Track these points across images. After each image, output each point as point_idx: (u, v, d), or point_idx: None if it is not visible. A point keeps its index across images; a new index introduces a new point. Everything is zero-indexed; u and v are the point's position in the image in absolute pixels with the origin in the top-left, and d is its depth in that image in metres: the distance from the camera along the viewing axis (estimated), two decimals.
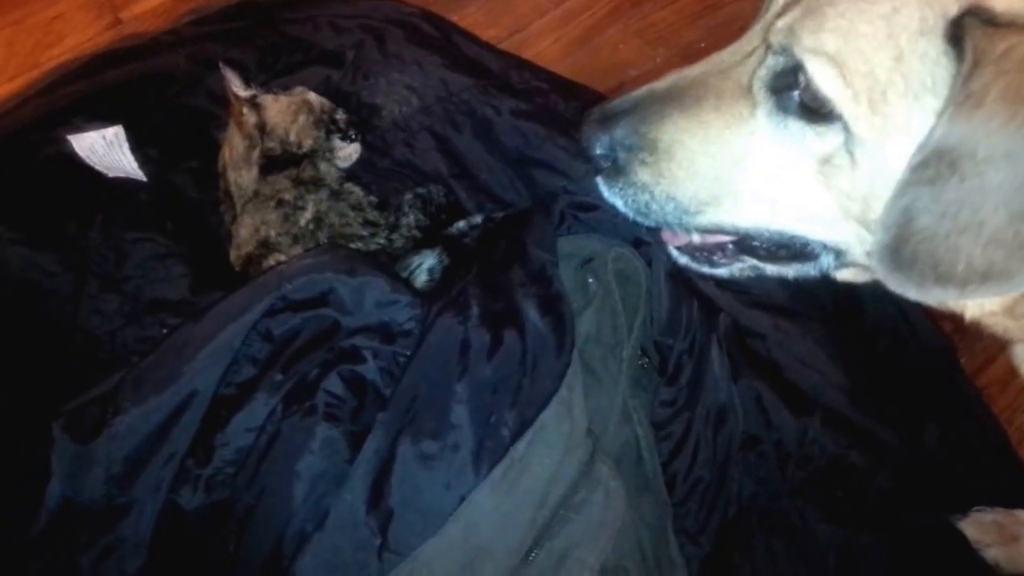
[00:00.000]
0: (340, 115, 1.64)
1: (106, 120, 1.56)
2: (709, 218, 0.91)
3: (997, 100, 0.67)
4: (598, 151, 0.93)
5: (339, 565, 1.00)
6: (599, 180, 0.96)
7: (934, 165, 0.71)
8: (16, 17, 1.97)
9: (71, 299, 1.27)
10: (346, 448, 1.07)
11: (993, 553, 1.28)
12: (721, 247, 0.99)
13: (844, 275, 0.95)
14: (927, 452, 1.34)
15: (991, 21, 0.70)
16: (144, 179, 1.48)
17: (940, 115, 0.72)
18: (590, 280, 1.40)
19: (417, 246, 1.52)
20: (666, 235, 1.02)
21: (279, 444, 1.06)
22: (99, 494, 1.01)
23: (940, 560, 1.23)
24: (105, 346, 1.26)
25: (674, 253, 1.04)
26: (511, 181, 1.66)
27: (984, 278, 0.71)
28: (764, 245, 0.95)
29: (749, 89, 0.85)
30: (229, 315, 1.11)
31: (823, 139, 0.80)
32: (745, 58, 0.87)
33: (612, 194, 0.95)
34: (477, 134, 1.69)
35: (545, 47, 2.02)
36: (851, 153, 0.79)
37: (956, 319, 1.57)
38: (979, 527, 1.30)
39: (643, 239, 1.40)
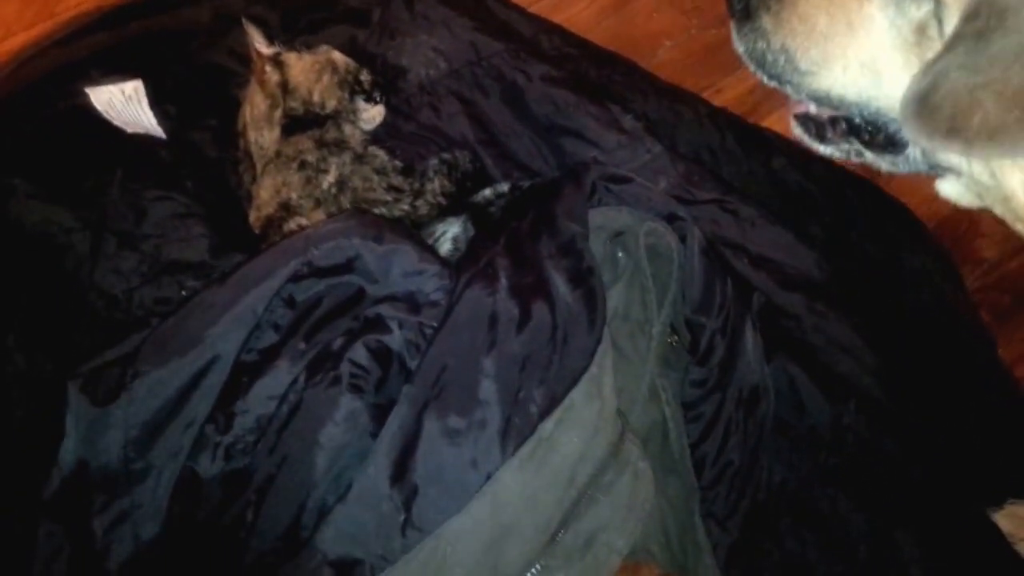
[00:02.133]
0: (365, 76, 1.59)
1: (125, 74, 1.51)
2: (819, 82, 0.92)
3: None
4: None
5: (361, 539, 0.97)
6: (732, 24, 0.98)
7: (984, 15, 0.70)
8: None
9: (88, 256, 1.24)
10: (370, 421, 1.03)
11: None
12: (833, 122, 1.00)
13: (947, 191, 0.93)
14: (962, 443, 1.31)
15: None
16: (163, 136, 1.43)
17: None
18: (620, 254, 1.36)
19: (442, 213, 1.48)
20: (789, 102, 1.03)
21: (302, 414, 1.02)
22: (115, 458, 0.99)
23: (973, 553, 1.20)
24: (122, 305, 1.22)
25: (791, 120, 1.04)
26: (539, 149, 1.62)
27: (991, 137, 0.71)
28: (865, 126, 0.95)
29: None
30: (253, 279, 1.07)
31: (919, 6, 0.80)
32: None
33: (737, 39, 0.97)
34: (506, 100, 1.64)
35: (577, 12, 1.95)
36: (939, 21, 0.78)
37: (997, 307, 1.54)
38: (1014, 520, 1.27)
39: (677, 214, 1.36)
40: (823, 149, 1.01)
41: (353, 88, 1.56)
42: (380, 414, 1.04)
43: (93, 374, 1.02)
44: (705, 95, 1.81)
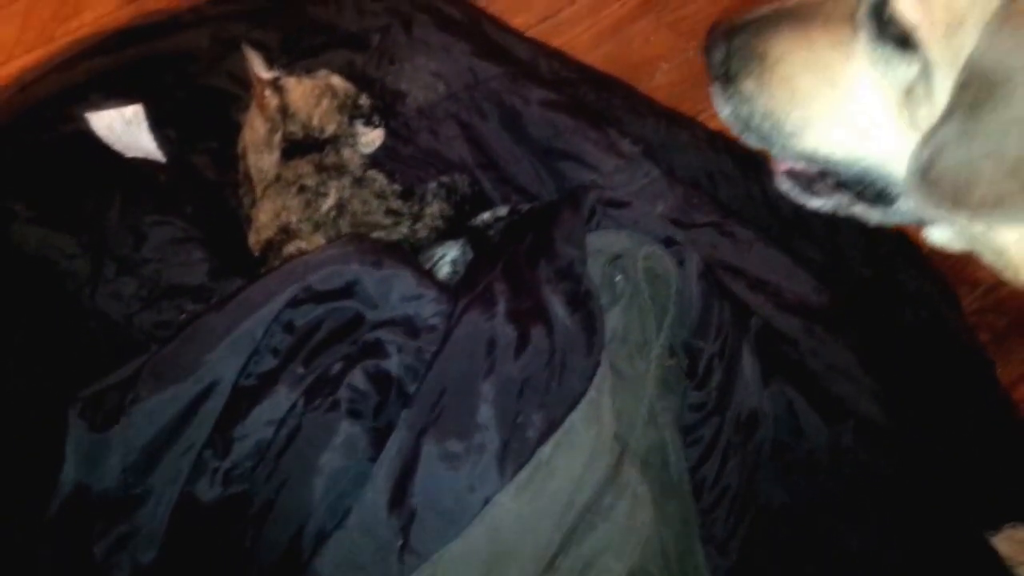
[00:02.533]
0: (364, 100, 1.60)
1: (124, 98, 1.52)
2: (805, 142, 0.93)
3: None
4: (715, 58, 0.96)
5: (359, 565, 0.97)
6: (714, 88, 0.98)
7: (974, 87, 0.71)
8: None
9: (88, 281, 1.24)
10: (368, 445, 1.04)
11: None
12: (822, 176, 1.00)
13: (937, 238, 0.93)
14: (961, 466, 1.31)
15: None
16: (163, 160, 1.44)
17: (982, 31, 0.71)
18: (618, 278, 1.37)
19: (441, 237, 1.49)
20: (773, 160, 1.05)
21: (300, 439, 1.03)
22: (115, 483, 0.99)
23: None
24: (121, 330, 1.23)
25: (777, 177, 1.05)
26: (538, 173, 1.62)
27: (995, 206, 0.72)
28: (854, 181, 0.95)
29: (854, 16, 0.86)
30: (252, 304, 1.08)
31: (907, 67, 0.81)
32: None
33: (721, 103, 0.98)
34: (504, 124, 1.65)
35: (575, 36, 1.97)
36: (928, 83, 0.79)
37: (995, 329, 1.55)
38: (1012, 544, 1.27)
39: (674, 238, 1.37)
40: (813, 203, 1.01)
41: (352, 112, 1.57)
42: (379, 439, 1.04)
43: (92, 399, 1.02)
44: (702, 118, 1.82)
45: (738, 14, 0.96)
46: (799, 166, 1.00)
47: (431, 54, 1.72)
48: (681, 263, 1.32)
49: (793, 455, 1.25)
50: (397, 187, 1.51)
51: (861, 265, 1.53)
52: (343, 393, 1.04)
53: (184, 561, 1.02)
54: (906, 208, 0.92)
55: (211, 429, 1.02)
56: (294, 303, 1.10)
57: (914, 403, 1.34)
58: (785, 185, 1.03)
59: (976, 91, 0.70)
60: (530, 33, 1.91)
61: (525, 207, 1.52)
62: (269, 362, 1.08)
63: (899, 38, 0.80)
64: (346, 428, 1.03)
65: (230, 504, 1.02)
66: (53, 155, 1.39)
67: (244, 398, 1.05)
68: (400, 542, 0.98)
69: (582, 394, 1.11)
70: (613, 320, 1.32)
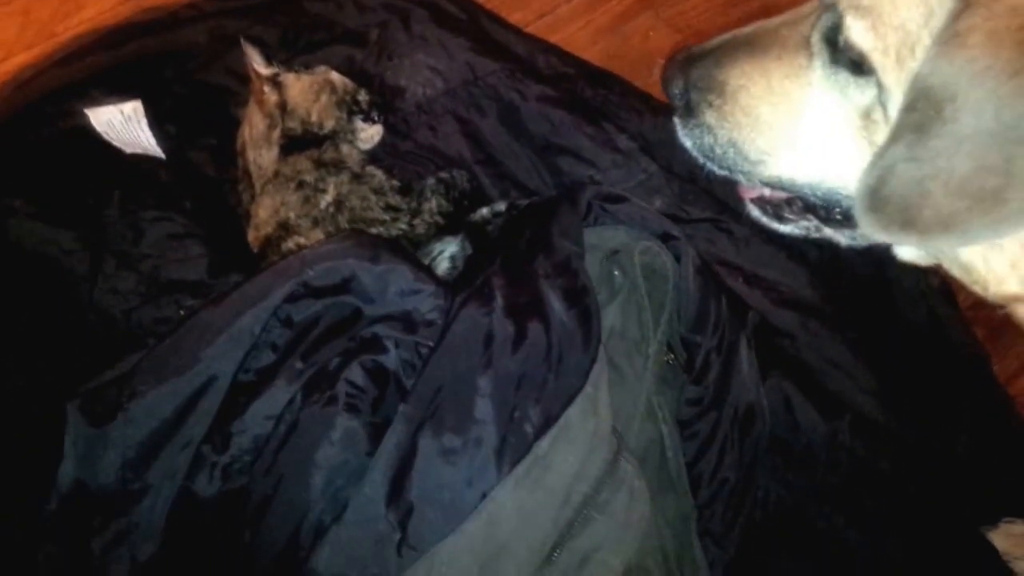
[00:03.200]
0: (362, 96, 1.60)
1: (124, 94, 1.53)
2: (769, 169, 0.94)
3: (982, 43, 0.67)
4: (675, 90, 0.97)
5: (357, 559, 0.98)
6: (675, 120, 1.00)
7: (921, 107, 0.71)
8: None
9: (87, 277, 1.25)
10: (366, 440, 1.04)
11: (1023, 566, 1.26)
12: (790, 202, 1.01)
13: (905, 255, 0.94)
14: (958, 461, 1.31)
15: None
16: (162, 156, 1.45)
17: (928, 52, 0.72)
18: (615, 273, 1.37)
19: (439, 232, 1.49)
20: (741, 188, 1.05)
21: (298, 434, 1.03)
22: (113, 478, 0.99)
23: (969, 571, 1.21)
24: (120, 325, 1.24)
25: (747, 204, 1.06)
26: (536, 168, 1.63)
27: (945, 227, 0.72)
28: (820, 204, 0.96)
29: (809, 41, 0.88)
30: (249, 299, 1.08)
31: (863, 92, 0.82)
32: (813, 11, 0.90)
33: (683, 134, 0.99)
34: (502, 119, 1.66)
35: (573, 32, 1.97)
36: (884, 107, 0.80)
37: (991, 323, 1.55)
38: (1009, 539, 1.27)
39: (671, 233, 1.37)
40: (783, 229, 1.02)
41: (351, 108, 1.57)
42: (376, 433, 1.04)
43: (91, 394, 1.02)
44: None
45: (694, 46, 0.97)
46: (767, 193, 1.01)
47: (429, 50, 1.73)
48: (678, 258, 1.32)
49: (790, 449, 1.26)
50: (395, 183, 1.52)
51: (857, 260, 1.53)
52: (341, 388, 1.05)
53: (183, 556, 1.03)
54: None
55: (209, 424, 1.02)
56: (292, 298, 1.10)
57: (910, 398, 1.35)
58: (755, 212, 1.04)
59: (922, 112, 0.71)
60: (528, 29, 1.91)
61: (523, 203, 1.52)
62: (267, 357, 1.09)
63: (853, 63, 0.82)
64: (344, 423, 1.03)
65: (229, 499, 1.02)
66: (52, 151, 1.40)
67: (242, 393, 1.05)
68: (398, 536, 0.98)
69: (579, 389, 1.11)
70: (611, 316, 1.33)
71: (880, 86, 0.79)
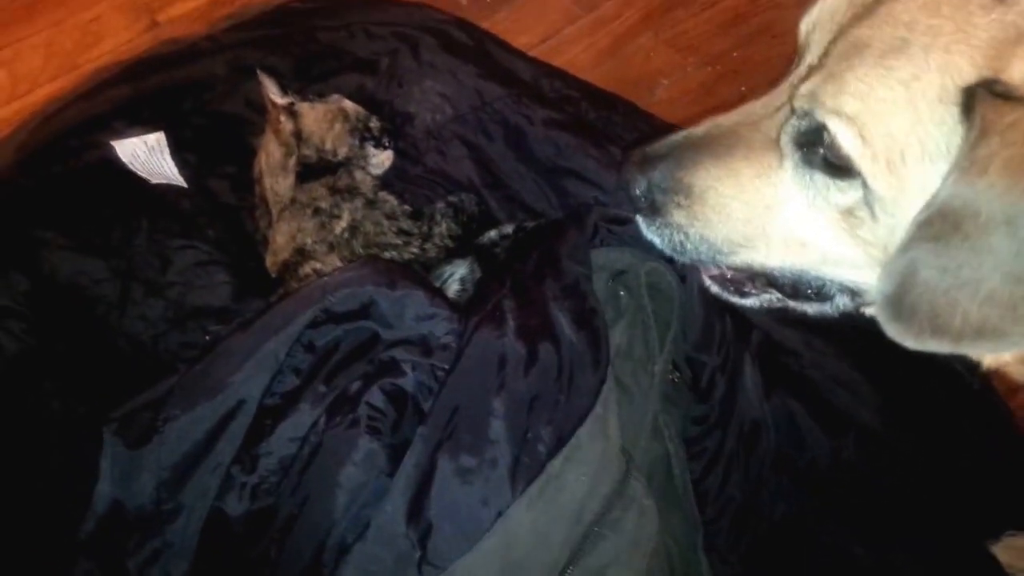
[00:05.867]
0: (374, 123, 1.65)
1: (146, 125, 1.58)
2: (741, 258, 0.96)
3: (1000, 169, 0.70)
4: (637, 191, 0.98)
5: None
6: (639, 218, 1.01)
7: (938, 224, 0.74)
8: (54, 19, 2.00)
9: (117, 305, 1.30)
10: (386, 461, 1.08)
11: None
12: (751, 278, 1.04)
13: (873, 311, 0.97)
14: (961, 475, 1.34)
15: (1004, 93, 0.72)
16: (185, 185, 1.50)
17: (946, 177, 0.75)
18: (622, 293, 1.41)
19: (449, 255, 1.54)
20: (702, 267, 1.08)
21: (322, 455, 1.08)
22: (148, 499, 1.04)
23: None
24: (148, 351, 1.29)
25: (706, 281, 1.09)
26: (543, 191, 1.68)
27: (978, 334, 0.73)
28: (789, 282, 1.00)
29: (777, 142, 0.90)
30: (274, 326, 1.13)
31: (845, 193, 0.84)
32: (774, 112, 0.92)
33: (650, 232, 1.01)
34: (509, 143, 1.71)
35: (576, 54, 2.03)
36: (870, 207, 0.82)
37: None
38: (1011, 552, 1.30)
39: None
40: (746, 303, 1.05)
41: (363, 135, 1.63)
42: (396, 455, 1.09)
43: (126, 419, 1.07)
44: None
45: (647, 145, 0.99)
46: (728, 274, 1.03)
47: (438, 76, 1.78)
48: (683, 278, 1.37)
49: (796, 466, 1.29)
50: (407, 208, 1.57)
51: None
52: (363, 411, 1.09)
53: (214, 574, 1.08)
54: (843, 303, 0.96)
55: (238, 446, 1.07)
56: (314, 324, 1.15)
57: (912, 413, 1.38)
58: (715, 288, 1.07)
59: (939, 227, 0.73)
60: (533, 53, 1.96)
61: (530, 225, 1.57)
62: (291, 381, 1.14)
63: (832, 165, 0.83)
64: (366, 445, 1.07)
65: (257, 518, 1.07)
66: (80, 182, 1.45)
67: (269, 416, 1.10)
68: (418, 554, 1.03)
69: (589, 409, 1.15)
70: (617, 335, 1.37)
71: (867, 188, 0.81)
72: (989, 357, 0.90)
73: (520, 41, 1.99)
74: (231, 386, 1.08)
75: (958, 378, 1.47)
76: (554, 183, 1.68)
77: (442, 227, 1.56)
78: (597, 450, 1.12)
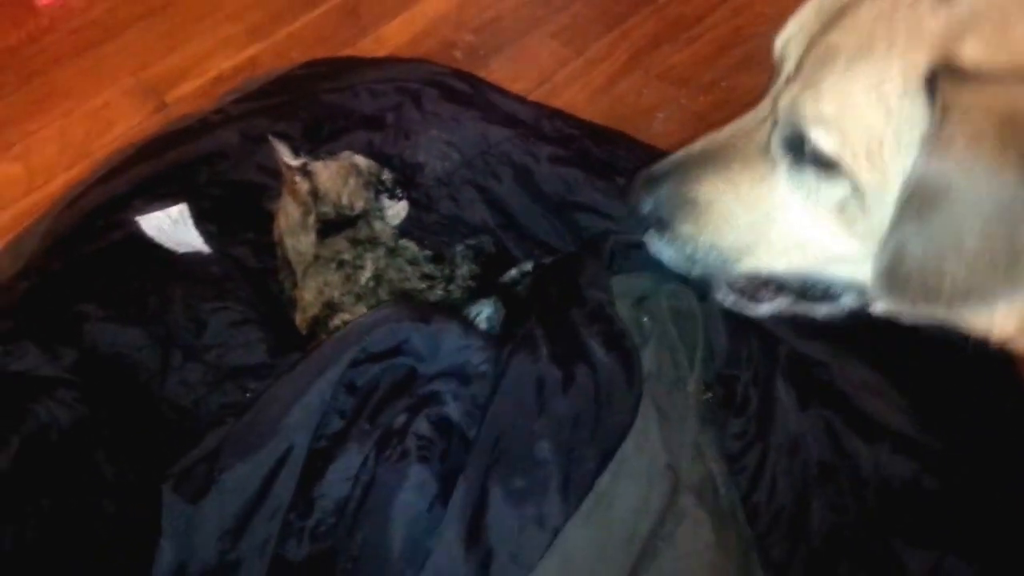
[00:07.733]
0: (386, 175, 1.70)
1: (164, 200, 1.63)
2: (748, 264, 1.02)
3: (964, 146, 0.76)
4: (646, 210, 1.04)
5: None
6: (648, 235, 1.06)
7: (917, 200, 0.80)
8: (65, 109, 2.07)
9: (158, 372, 1.32)
10: (438, 488, 1.10)
11: None
12: (762, 285, 1.08)
13: (882, 309, 1.00)
14: (1002, 469, 1.32)
15: (960, 76, 0.78)
16: (211, 252, 1.54)
17: (918, 158, 0.81)
18: (645, 319, 1.43)
19: (472, 296, 1.57)
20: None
21: (375, 489, 1.09)
22: (211, 552, 1.05)
23: None
24: (190, 415, 1.31)
25: (720, 295, 1.12)
26: (555, 226, 1.71)
27: (966, 295, 0.80)
28: (796, 286, 1.04)
29: (768, 149, 0.96)
30: (315, 370, 1.16)
31: (835, 189, 0.90)
32: (762, 123, 0.98)
33: (661, 247, 1.05)
34: (519, 183, 1.74)
35: (572, 96, 2.09)
36: (860, 201, 0.88)
37: None
38: None
39: None
40: (761, 311, 1.09)
41: (377, 187, 1.67)
42: (447, 483, 1.10)
43: (183, 474, 1.09)
44: None
45: (651, 167, 1.05)
46: (739, 282, 1.08)
47: (443, 125, 1.83)
48: (703, 297, 1.40)
49: (838, 476, 1.28)
50: (428, 252, 1.61)
51: None
52: (411, 442, 1.11)
53: None
54: (850, 302, 1.01)
55: (293, 491, 1.09)
56: (353, 364, 1.18)
57: (943, 412, 1.37)
58: (729, 299, 1.11)
59: (920, 202, 0.80)
60: (531, 97, 2.02)
61: (548, 260, 1.60)
62: (336, 423, 1.16)
63: (818, 163, 0.89)
64: (417, 474, 1.09)
65: (318, 561, 1.08)
66: (111, 259, 1.49)
67: (319, 459, 1.12)
68: None
69: (630, 425, 1.17)
70: (645, 361, 1.37)
71: (854, 184, 0.87)
72: (994, 328, 0.93)
73: (517, 87, 2.05)
74: (281, 431, 1.10)
75: (980, 370, 1.47)
76: (566, 218, 1.71)
77: (463, 269, 1.59)
78: (643, 464, 1.14)
